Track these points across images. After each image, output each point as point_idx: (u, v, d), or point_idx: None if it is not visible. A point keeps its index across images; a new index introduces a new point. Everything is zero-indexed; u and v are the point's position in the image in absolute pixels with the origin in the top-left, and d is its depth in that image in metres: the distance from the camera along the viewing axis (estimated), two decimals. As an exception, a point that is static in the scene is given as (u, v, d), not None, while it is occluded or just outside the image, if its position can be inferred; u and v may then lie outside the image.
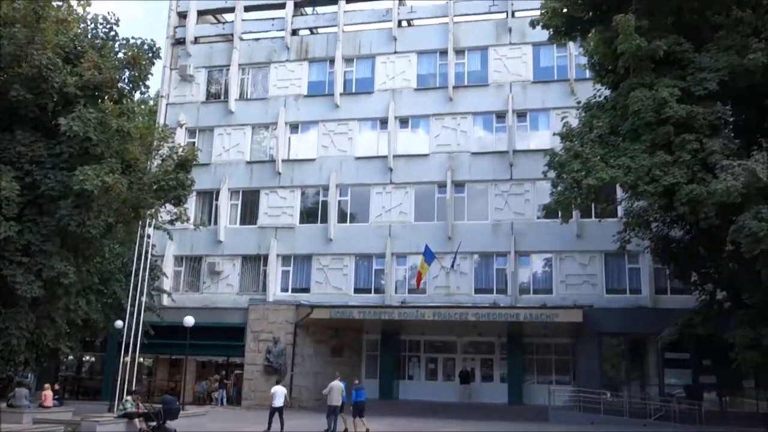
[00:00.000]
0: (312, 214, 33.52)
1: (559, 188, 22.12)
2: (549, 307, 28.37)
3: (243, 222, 34.23)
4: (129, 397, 22.25)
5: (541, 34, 25.61)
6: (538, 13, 24.33)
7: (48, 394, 25.26)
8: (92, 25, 23.06)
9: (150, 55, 22.40)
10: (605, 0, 21.83)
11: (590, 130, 22.23)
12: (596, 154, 20.69)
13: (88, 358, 36.36)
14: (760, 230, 17.25)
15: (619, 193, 25.35)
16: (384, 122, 33.25)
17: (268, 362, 30.29)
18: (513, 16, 33.03)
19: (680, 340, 23.45)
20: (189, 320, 28.13)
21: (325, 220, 32.80)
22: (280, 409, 21.70)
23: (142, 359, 28.60)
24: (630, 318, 28.01)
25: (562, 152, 22.29)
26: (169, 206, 24.16)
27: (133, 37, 22.50)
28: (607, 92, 23.57)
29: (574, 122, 23.99)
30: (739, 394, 27.39)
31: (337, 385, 22.48)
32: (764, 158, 18.20)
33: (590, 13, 22.83)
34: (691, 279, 24.99)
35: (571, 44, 29.45)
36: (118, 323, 26.88)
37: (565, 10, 22.94)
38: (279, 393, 22.11)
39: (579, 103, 24.77)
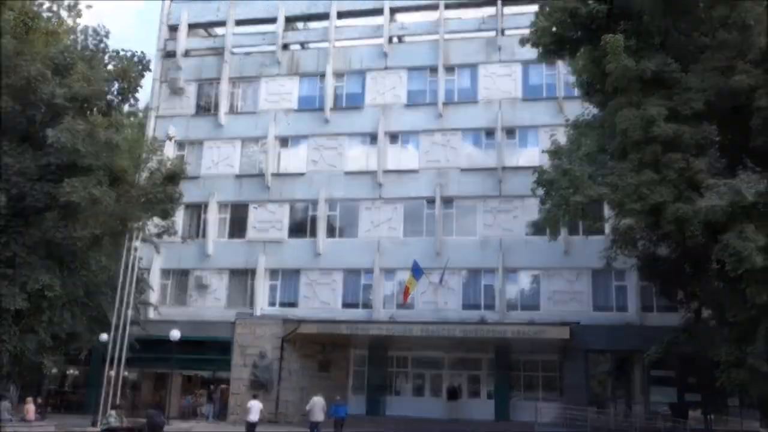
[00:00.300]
0: (300, 228, 33.46)
1: (547, 205, 22.23)
2: (536, 324, 28.38)
3: (231, 236, 34.12)
4: (113, 412, 22.10)
5: (531, 53, 25.74)
6: (527, 31, 24.50)
7: (30, 407, 25.01)
8: (82, 37, 23.13)
9: (140, 67, 22.46)
10: (594, 20, 22.03)
11: (578, 147, 22.41)
12: (584, 172, 20.79)
13: (71, 371, 35.92)
14: (744, 249, 17.38)
15: (607, 210, 25.42)
16: (374, 137, 33.33)
17: (254, 377, 30.07)
18: (503, 34, 33.30)
19: (666, 357, 23.52)
20: (175, 334, 27.97)
21: (313, 234, 32.76)
22: (255, 424, 21.58)
23: (126, 373, 28.30)
24: (616, 335, 28.07)
25: (551, 169, 22.40)
26: (156, 219, 24.10)
27: (123, 50, 22.57)
28: (596, 111, 23.77)
29: (563, 140, 24.20)
30: (724, 412, 27.42)
31: (319, 400, 22.45)
32: (749, 178, 18.36)
33: (579, 33, 22.99)
34: (677, 297, 25.09)
35: (560, 63, 29.65)
36: (103, 336, 26.60)
37: (554, 30, 23.14)
38: (255, 408, 22.03)
39: (567, 121, 25.01)
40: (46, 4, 22.29)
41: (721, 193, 18.20)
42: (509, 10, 33.55)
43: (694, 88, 20.33)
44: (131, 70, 21.98)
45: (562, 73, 31.08)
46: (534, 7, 24.64)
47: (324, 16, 35.97)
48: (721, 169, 19.91)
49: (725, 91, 20.02)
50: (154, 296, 32.51)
